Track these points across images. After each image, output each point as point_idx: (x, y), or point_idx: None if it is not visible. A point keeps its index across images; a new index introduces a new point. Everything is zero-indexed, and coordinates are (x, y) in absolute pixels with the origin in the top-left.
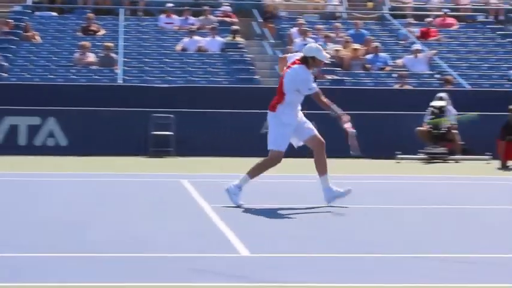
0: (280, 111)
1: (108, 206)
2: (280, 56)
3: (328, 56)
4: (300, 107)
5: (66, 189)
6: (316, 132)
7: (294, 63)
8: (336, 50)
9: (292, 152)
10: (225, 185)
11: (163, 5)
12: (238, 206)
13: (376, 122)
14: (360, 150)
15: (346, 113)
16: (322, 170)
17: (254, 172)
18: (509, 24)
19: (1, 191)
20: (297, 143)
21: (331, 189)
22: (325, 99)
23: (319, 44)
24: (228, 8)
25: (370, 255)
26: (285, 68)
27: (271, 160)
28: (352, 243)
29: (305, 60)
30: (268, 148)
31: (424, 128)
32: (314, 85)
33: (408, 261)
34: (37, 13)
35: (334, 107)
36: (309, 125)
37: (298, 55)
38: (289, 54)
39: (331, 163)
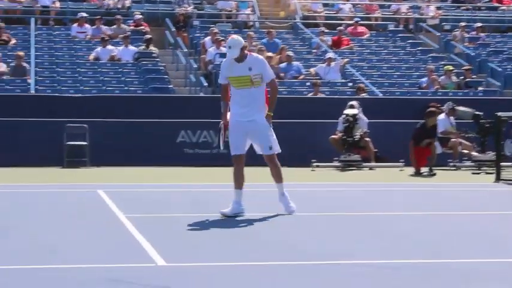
0: None
1: (24, 217)
2: None
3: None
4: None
5: None
6: None
7: None
8: None
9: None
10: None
11: (75, 14)
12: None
13: (291, 130)
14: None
15: None
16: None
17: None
18: (419, 33)
19: None
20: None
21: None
22: (226, 96)
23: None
24: (141, 17)
25: (287, 263)
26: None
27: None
28: (268, 252)
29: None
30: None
31: (337, 136)
32: (223, 78)
33: (325, 268)
34: None
35: (224, 110)
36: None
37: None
38: None
39: (250, 171)
